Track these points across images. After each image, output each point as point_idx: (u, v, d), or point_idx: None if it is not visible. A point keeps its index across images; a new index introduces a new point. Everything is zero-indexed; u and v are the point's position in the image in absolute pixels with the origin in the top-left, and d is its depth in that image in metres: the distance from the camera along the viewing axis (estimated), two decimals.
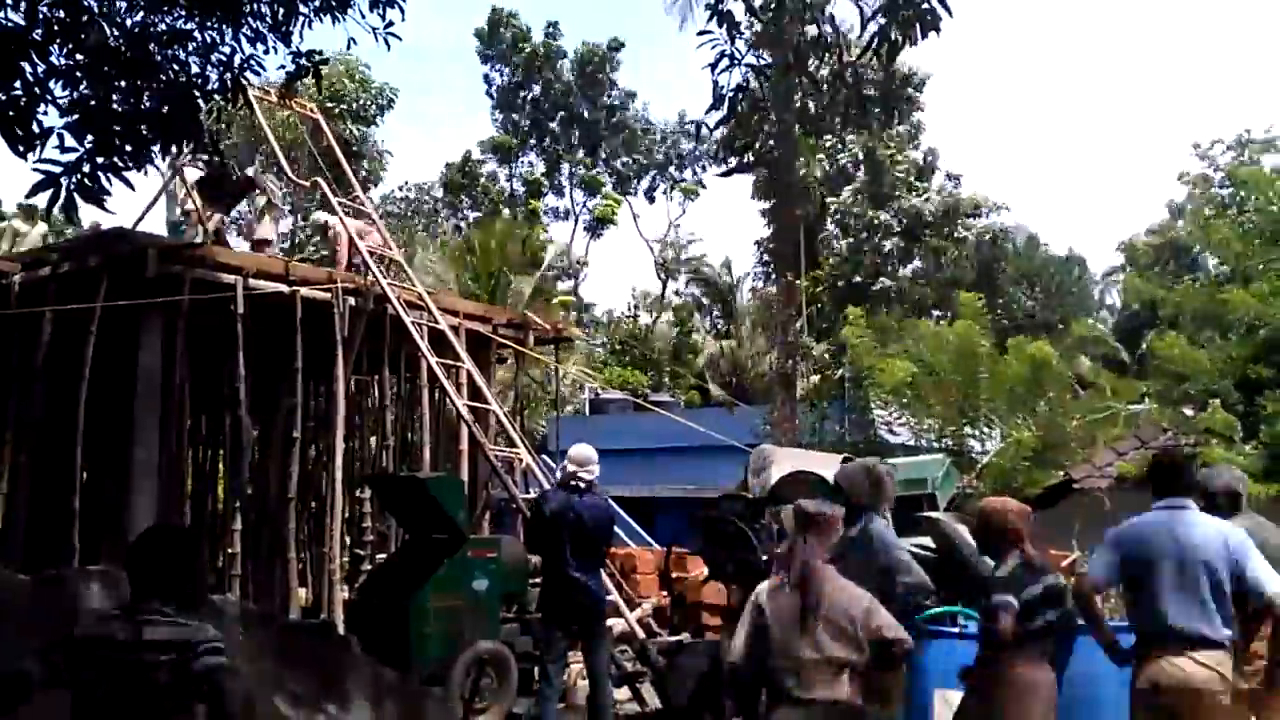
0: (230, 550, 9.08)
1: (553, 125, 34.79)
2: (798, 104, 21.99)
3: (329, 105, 22.68)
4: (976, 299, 15.37)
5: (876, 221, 25.21)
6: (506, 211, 30.94)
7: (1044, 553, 4.76)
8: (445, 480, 8.83)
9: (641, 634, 8.34)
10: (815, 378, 20.85)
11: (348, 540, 10.29)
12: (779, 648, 4.26)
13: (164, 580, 3.02)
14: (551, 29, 33.81)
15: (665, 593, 9.56)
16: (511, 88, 34.55)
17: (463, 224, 31.40)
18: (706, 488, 15.02)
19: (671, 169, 35.46)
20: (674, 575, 9.53)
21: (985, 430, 14.63)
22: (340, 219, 10.71)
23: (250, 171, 11.51)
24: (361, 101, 24.88)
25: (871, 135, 26.06)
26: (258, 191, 11.81)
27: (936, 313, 24.38)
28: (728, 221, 64.22)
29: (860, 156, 26.64)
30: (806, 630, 4.22)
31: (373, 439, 11.83)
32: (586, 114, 34.12)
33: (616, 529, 6.98)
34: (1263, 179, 15.11)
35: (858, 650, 4.22)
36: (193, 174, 10.35)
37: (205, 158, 9.85)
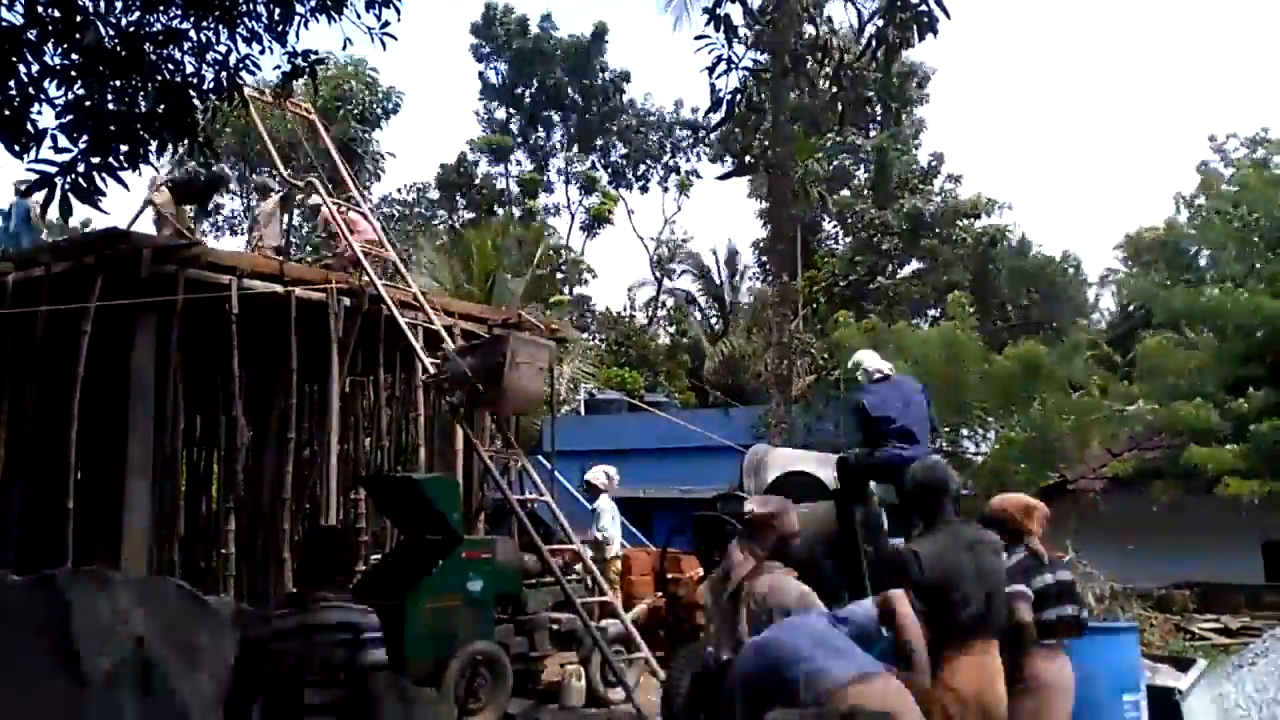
0: (224, 551, 9.06)
1: (547, 118, 34.73)
2: (795, 105, 22.02)
3: (334, 105, 22.66)
4: (964, 299, 15.40)
5: (879, 221, 25.26)
6: (501, 211, 30.91)
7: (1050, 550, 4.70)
8: (440, 481, 8.82)
9: (637, 636, 8.34)
10: (811, 378, 20.88)
11: None
12: (720, 642, 4.26)
13: (328, 571, 3.63)
14: (545, 22, 33.81)
15: (660, 593, 9.56)
16: (506, 84, 34.53)
17: (457, 224, 31.34)
18: (702, 488, 15.04)
19: (667, 158, 35.40)
20: (669, 576, 9.53)
21: (978, 430, 14.67)
22: (326, 204, 10.67)
23: (217, 168, 11.44)
24: (367, 103, 24.86)
25: (879, 134, 26.09)
26: (273, 193, 11.74)
27: (932, 313, 24.43)
28: (724, 220, 64.25)
29: (861, 156, 26.71)
30: (738, 629, 4.25)
31: (367, 440, 11.81)
32: (580, 101, 34.02)
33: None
34: (1263, 184, 15.15)
35: None
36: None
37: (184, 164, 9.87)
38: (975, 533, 4.23)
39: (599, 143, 34.95)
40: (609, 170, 35.52)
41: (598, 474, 10.65)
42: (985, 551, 4.09)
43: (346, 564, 3.75)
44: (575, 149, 35.10)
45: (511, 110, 35.07)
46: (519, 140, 35.13)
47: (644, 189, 35.72)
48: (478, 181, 33.64)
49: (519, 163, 35.42)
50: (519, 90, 34.51)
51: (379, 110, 25.28)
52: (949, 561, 3.99)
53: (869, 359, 6.39)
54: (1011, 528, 4.62)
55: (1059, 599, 4.46)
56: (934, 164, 27.10)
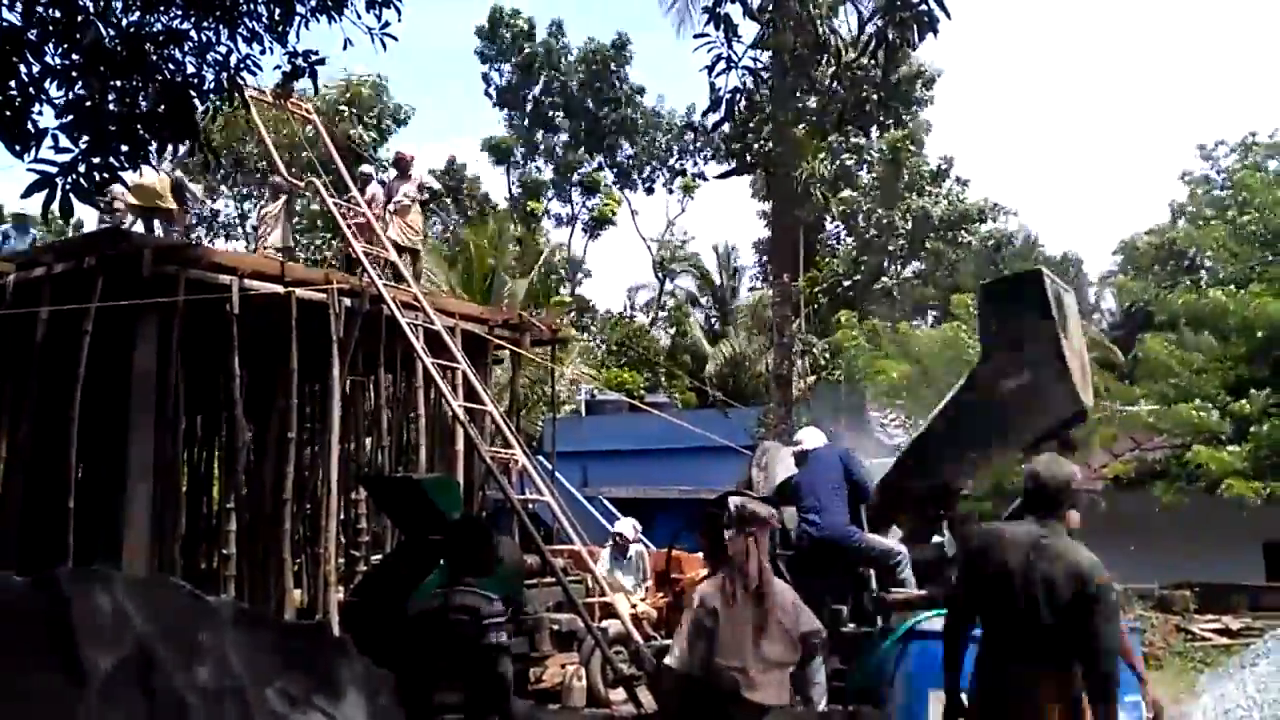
0: (225, 551, 9.06)
1: (555, 123, 34.71)
2: (797, 105, 21.98)
3: (340, 108, 22.62)
4: (969, 300, 15.38)
5: (884, 220, 25.22)
6: (498, 212, 30.89)
7: None
8: (441, 481, 8.81)
9: (638, 636, 8.34)
10: (812, 378, 20.86)
11: (343, 541, 10.27)
12: (729, 652, 4.23)
13: (470, 559, 4.20)
14: (555, 28, 33.81)
15: (663, 593, 9.57)
16: (512, 87, 34.52)
17: (451, 226, 31.33)
18: (702, 489, 15.03)
19: (673, 161, 35.36)
20: (672, 576, 9.54)
21: None
22: (327, 202, 10.70)
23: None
24: (376, 111, 24.82)
25: (890, 133, 26.00)
26: (282, 195, 11.71)
27: (934, 314, 24.41)
28: (726, 221, 64.28)
29: (866, 156, 26.63)
30: (756, 635, 4.22)
31: (368, 440, 11.82)
32: (591, 106, 33.99)
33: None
34: (1261, 186, 15.15)
35: (794, 650, 4.27)
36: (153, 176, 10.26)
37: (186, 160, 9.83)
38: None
39: (606, 143, 34.95)
40: (615, 171, 35.52)
41: (627, 526, 10.24)
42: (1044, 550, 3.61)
43: (492, 554, 4.31)
44: (581, 151, 35.08)
45: (515, 113, 35.07)
46: (541, 149, 35.13)
47: (649, 190, 35.78)
48: (466, 186, 33.60)
49: (538, 170, 35.47)
50: (524, 93, 34.51)
51: (390, 122, 25.25)
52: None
53: (804, 437, 7.13)
54: None
55: None
56: (944, 166, 27.04)
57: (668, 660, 4.49)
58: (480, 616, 4.01)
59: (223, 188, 25.41)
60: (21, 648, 4.24)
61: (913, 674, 5.39)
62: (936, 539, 6.65)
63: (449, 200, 32.30)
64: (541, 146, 35.22)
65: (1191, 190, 18.85)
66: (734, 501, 4.74)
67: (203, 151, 4.92)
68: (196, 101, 4.51)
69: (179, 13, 4.53)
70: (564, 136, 34.95)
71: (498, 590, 7.84)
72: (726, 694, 4.18)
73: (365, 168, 11.44)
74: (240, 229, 25.79)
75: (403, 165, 12.09)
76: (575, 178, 35.18)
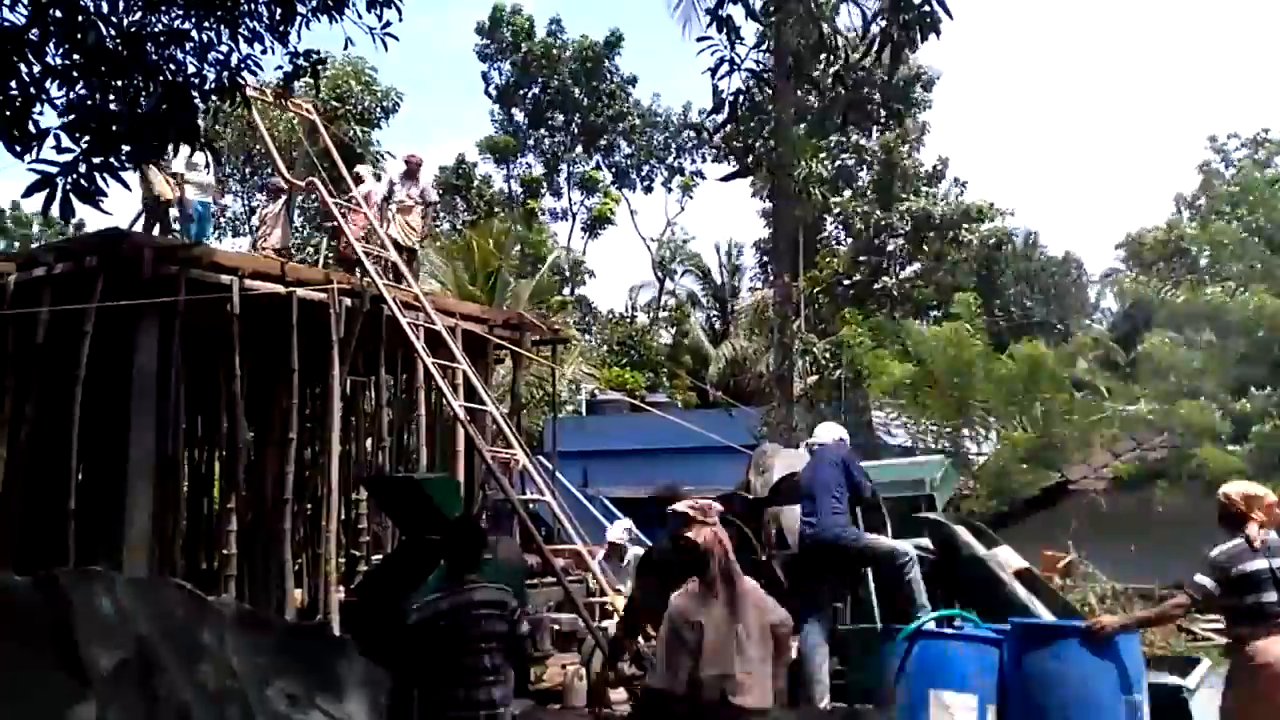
0: (226, 551, 9.06)
1: (552, 122, 34.69)
2: (797, 106, 21.94)
3: (333, 106, 22.57)
4: (971, 300, 15.38)
5: (883, 222, 25.19)
6: (502, 213, 30.87)
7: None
8: (442, 481, 8.80)
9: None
10: (813, 378, 20.83)
11: (344, 541, 10.27)
12: (713, 661, 4.16)
13: (474, 558, 4.26)
14: (554, 26, 33.77)
15: None
16: (511, 86, 34.48)
17: (459, 225, 31.28)
18: (705, 489, 14.99)
19: (671, 159, 35.33)
20: None
21: (981, 431, 14.64)
22: (326, 199, 10.69)
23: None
24: (366, 104, 24.75)
25: (885, 134, 25.99)
26: (283, 195, 11.66)
27: (935, 314, 24.38)
28: (727, 221, 64.24)
29: (865, 156, 26.61)
30: (738, 636, 4.19)
31: (369, 440, 11.81)
32: (585, 102, 33.93)
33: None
34: (1263, 185, 15.14)
35: (767, 644, 4.29)
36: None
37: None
38: None
39: (603, 143, 34.88)
40: (613, 170, 35.47)
41: (620, 531, 10.15)
42: None
43: (481, 551, 4.37)
44: (579, 149, 35.03)
45: (515, 111, 35.03)
46: (528, 143, 35.09)
47: (648, 189, 35.74)
48: (476, 183, 33.57)
49: (529, 166, 35.43)
50: (524, 91, 34.46)
51: (378, 110, 25.17)
52: None
53: (818, 432, 7.37)
54: (1232, 513, 4.93)
55: (1259, 586, 4.69)
56: (940, 168, 27.00)
57: (649, 680, 4.40)
58: (509, 609, 4.10)
59: (232, 183, 25.40)
60: (22, 648, 4.23)
61: (914, 674, 5.39)
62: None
63: (458, 199, 32.28)
64: (537, 145, 35.19)
65: (1205, 178, 18.76)
66: (680, 505, 4.70)
67: (204, 151, 4.92)
68: (198, 102, 4.50)
69: (180, 13, 4.53)
70: (560, 136, 34.91)
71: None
72: (714, 705, 4.12)
73: (361, 168, 11.43)
74: (247, 225, 25.81)
75: (411, 168, 12.10)
76: (568, 172, 35.12)
